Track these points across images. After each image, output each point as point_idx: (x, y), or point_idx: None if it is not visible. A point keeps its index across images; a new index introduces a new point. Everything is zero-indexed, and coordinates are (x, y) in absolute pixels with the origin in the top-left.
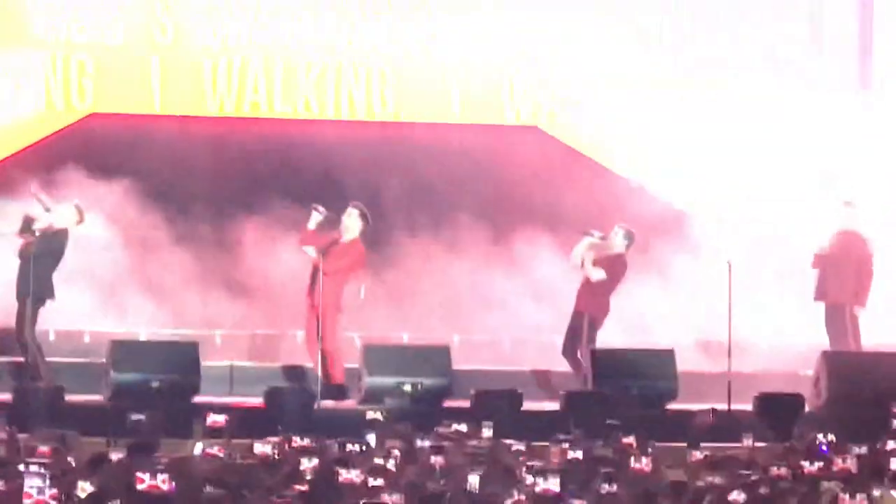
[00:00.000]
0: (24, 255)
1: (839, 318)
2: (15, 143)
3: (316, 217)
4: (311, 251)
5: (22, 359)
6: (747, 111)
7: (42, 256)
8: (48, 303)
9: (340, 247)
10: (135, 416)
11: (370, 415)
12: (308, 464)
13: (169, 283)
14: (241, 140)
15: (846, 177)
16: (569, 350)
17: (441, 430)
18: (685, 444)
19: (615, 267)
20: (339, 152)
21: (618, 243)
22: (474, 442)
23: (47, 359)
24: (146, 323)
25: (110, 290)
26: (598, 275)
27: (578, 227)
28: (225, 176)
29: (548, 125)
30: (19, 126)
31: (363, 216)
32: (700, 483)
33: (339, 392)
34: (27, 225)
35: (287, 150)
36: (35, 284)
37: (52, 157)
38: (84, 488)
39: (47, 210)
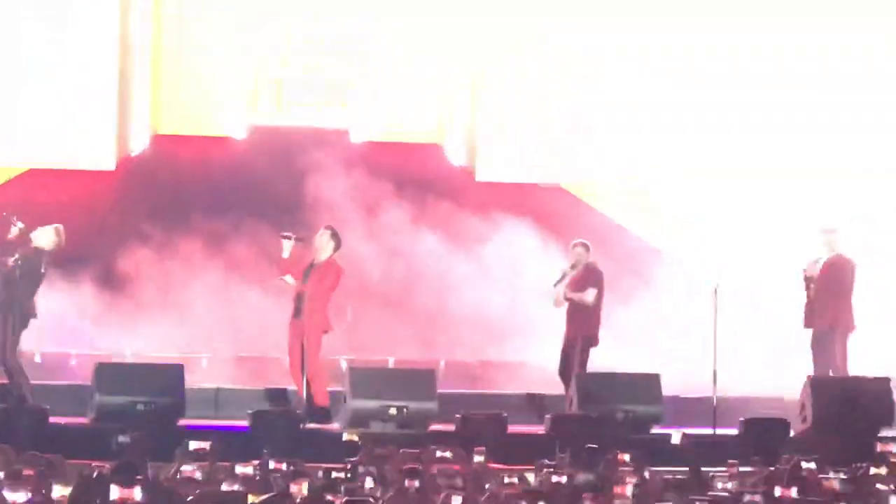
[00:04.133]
0: (4, 279)
1: (826, 343)
2: None
3: (287, 245)
4: (290, 279)
5: (6, 381)
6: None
7: (21, 278)
8: (31, 323)
9: (318, 269)
10: (121, 438)
11: (345, 437)
12: (294, 488)
13: (155, 306)
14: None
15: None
16: (565, 374)
17: (426, 454)
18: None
19: (595, 280)
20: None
21: (584, 259)
22: (457, 466)
23: (33, 381)
24: (132, 345)
25: (96, 313)
26: (591, 296)
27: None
28: (212, 198)
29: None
30: None
31: (334, 236)
32: None
33: (323, 415)
34: (6, 249)
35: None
36: (17, 307)
37: None
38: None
39: (23, 233)
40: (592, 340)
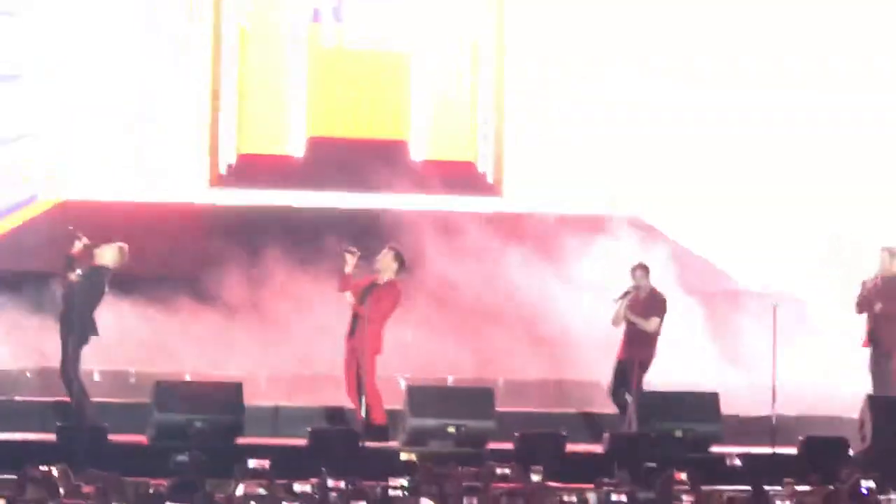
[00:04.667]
0: (66, 294)
1: (885, 364)
2: None
3: (350, 260)
4: (349, 296)
5: (67, 399)
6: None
7: (82, 294)
8: (92, 340)
9: (378, 290)
10: (179, 458)
11: (403, 456)
12: None
13: (214, 324)
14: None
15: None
16: (617, 394)
17: (485, 470)
18: (729, 487)
19: (656, 307)
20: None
21: (643, 281)
22: (516, 484)
23: (93, 399)
24: (191, 363)
25: (157, 331)
26: (654, 325)
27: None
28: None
29: None
30: None
31: (398, 257)
32: None
33: (381, 433)
34: (70, 264)
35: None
36: (77, 323)
37: None
38: None
39: (87, 248)
40: (647, 364)
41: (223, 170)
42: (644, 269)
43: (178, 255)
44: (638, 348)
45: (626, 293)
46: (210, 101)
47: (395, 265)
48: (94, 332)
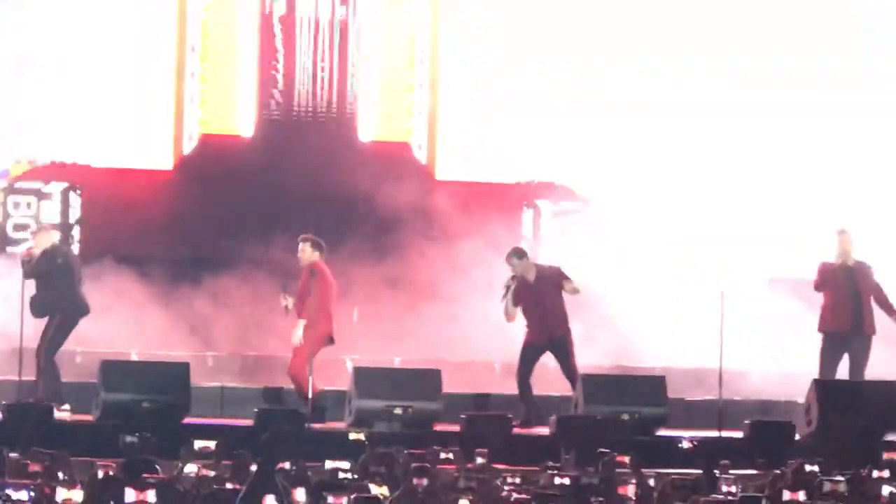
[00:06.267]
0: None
1: (844, 347)
2: None
3: (288, 299)
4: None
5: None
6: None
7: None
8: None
9: (308, 279)
10: (128, 438)
11: (352, 436)
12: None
13: (161, 304)
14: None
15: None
16: (525, 380)
17: (430, 454)
18: (674, 471)
19: (561, 275)
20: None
21: (520, 266)
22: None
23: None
24: (137, 344)
25: (102, 311)
26: (579, 284)
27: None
28: (220, 198)
29: None
30: None
31: (315, 245)
32: None
33: (319, 414)
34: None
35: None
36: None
37: None
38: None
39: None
40: (571, 338)
41: (186, 150)
42: (516, 254)
43: (131, 233)
44: (555, 327)
45: (507, 289)
46: (175, 79)
47: (316, 253)
48: (82, 310)
